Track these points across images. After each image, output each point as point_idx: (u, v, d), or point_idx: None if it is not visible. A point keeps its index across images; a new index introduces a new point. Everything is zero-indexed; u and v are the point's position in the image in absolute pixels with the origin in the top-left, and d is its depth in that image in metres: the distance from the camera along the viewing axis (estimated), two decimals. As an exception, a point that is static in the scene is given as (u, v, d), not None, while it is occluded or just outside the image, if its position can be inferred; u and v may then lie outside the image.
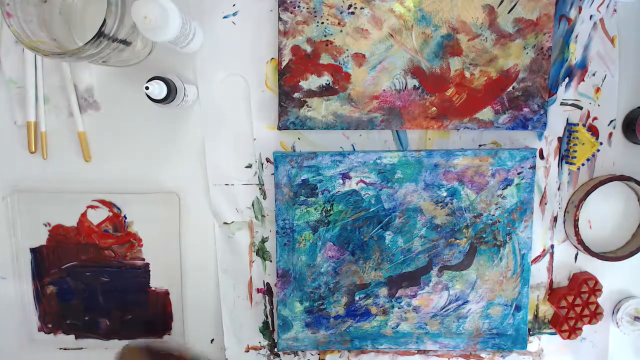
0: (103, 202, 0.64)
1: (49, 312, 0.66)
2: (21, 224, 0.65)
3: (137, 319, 0.67)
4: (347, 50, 0.61)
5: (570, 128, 0.64)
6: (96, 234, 0.65)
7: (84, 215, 0.65)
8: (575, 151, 0.62)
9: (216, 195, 0.64)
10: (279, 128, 0.62)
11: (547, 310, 0.67)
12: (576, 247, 0.65)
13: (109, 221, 0.65)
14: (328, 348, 0.66)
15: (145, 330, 0.67)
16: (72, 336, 0.67)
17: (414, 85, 0.61)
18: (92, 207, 0.65)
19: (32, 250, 0.65)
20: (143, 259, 0.65)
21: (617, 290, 0.67)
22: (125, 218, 0.65)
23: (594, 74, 0.63)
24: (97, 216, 0.65)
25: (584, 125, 0.63)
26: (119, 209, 0.65)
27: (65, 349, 0.68)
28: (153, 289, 0.66)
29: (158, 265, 0.66)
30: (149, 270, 0.66)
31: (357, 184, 0.62)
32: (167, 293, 0.66)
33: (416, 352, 0.67)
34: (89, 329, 0.67)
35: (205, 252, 0.66)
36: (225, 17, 0.62)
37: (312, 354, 0.66)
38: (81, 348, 0.68)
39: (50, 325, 0.67)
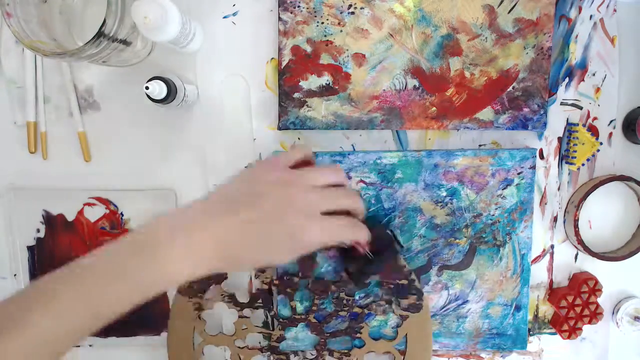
0: (100, 199, 0.64)
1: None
2: (17, 221, 0.65)
3: (134, 316, 0.66)
4: (347, 50, 0.61)
5: (570, 128, 0.64)
6: (93, 231, 0.65)
7: (80, 212, 0.65)
8: (575, 151, 0.62)
9: (216, 195, 0.64)
10: (279, 128, 0.62)
11: (547, 310, 0.67)
12: (576, 247, 0.65)
13: (106, 218, 0.65)
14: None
15: (143, 327, 0.67)
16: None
17: (414, 85, 0.61)
18: (88, 204, 0.65)
19: (29, 248, 0.65)
20: (141, 257, 0.65)
21: (617, 290, 0.67)
22: (122, 215, 0.65)
23: (594, 74, 0.63)
24: (94, 213, 0.65)
25: (584, 125, 0.63)
26: (115, 206, 0.65)
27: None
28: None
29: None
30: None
31: (357, 184, 0.63)
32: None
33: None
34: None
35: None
36: (225, 17, 0.62)
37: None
38: (79, 345, 0.67)
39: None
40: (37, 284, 0.41)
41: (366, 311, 0.63)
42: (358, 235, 0.50)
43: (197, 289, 0.62)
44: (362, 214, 0.52)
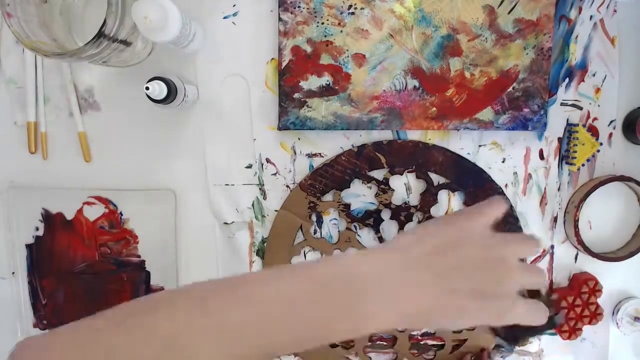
0: (99, 198, 0.64)
1: (44, 308, 0.66)
2: (16, 219, 0.65)
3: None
4: (347, 50, 0.61)
5: (570, 128, 0.64)
6: (92, 230, 0.65)
7: (79, 211, 0.65)
8: (576, 151, 0.62)
9: (216, 196, 0.64)
10: (279, 128, 0.62)
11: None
12: (576, 248, 0.65)
13: (105, 218, 0.65)
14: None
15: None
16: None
17: (414, 86, 0.61)
18: (88, 203, 0.65)
19: (28, 246, 0.65)
20: (139, 256, 0.65)
21: (617, 290, 0.67)
22: (122, 215, 0.65)
23: (594, 75, 0.63)
24: (93, 213, 0.65)
25: (584, 126, 0.63)
26: (115, 205, 0.65)
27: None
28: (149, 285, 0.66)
29: (154, 262, 0.66)
30: (145, 267, 0.66)
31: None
32: (162, 290, 0.66)
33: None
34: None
35: (202, 250, 0.66)
36: (225, 18, 0.62)
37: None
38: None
39: (45, 322, 0.67)
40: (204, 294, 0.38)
41: None
42: (543, 320, 0.43)
43: (318, 189, 0.63)
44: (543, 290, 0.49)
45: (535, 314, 0.42)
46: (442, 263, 0.40)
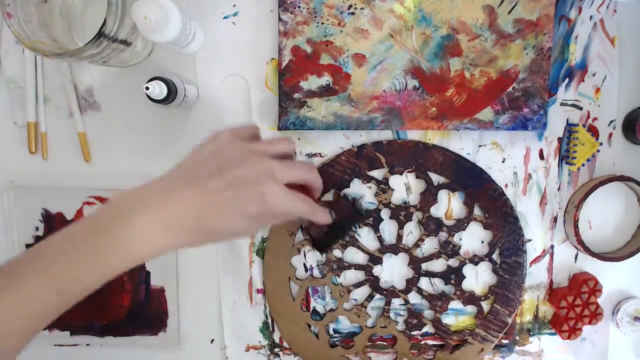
0: (99, 198, 0.64)
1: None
2: (16, 219, 0.65)
3: (132, 316, 0.67)
4: (347, 50, 0.61)
5: (570, 128, 0.64)
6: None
7: (79, 211, 0.65)
8: (575, 151, 0.62)
9: (216, 196, 0.64)
10: (279, 128, 0.62)
11: (547, 310, 0.67)
12: (576, 248, 0.65)
13: (105, 217, 0.65)
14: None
15: (141, 327, 0.67)
16: (67, 332, 0.67)
17: (414, 86, 0.61)
18: (88, 203, 0.65)
19: (28, 246, 0.65)
20: (138, 256, 0.66)
21: (617, 290, 0.67)
22: None
23: (594, 75, 0.63)
24: (94, 213, 0.65)
25: (584, 126, 0.63)
26: (115, 205, 0.65)
27: (60, 345, 0.68)
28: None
29: (154, 262, 0.65)
30: (145, 267, 0.66)
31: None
32: (162, 290, 0.66)
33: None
34: (83, 326, 0.67)
35: (202, 250, 0.65)
36: (225, 18, 0.62)
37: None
38: (76, 344, 0.68)
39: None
40: (2, 267, 0.42)
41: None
42: (317, 213, 0.51)
43: None
44: (320, 189, 0.53)
45: (307, 201, 0.48)
46: (199, 172, 0.45)
